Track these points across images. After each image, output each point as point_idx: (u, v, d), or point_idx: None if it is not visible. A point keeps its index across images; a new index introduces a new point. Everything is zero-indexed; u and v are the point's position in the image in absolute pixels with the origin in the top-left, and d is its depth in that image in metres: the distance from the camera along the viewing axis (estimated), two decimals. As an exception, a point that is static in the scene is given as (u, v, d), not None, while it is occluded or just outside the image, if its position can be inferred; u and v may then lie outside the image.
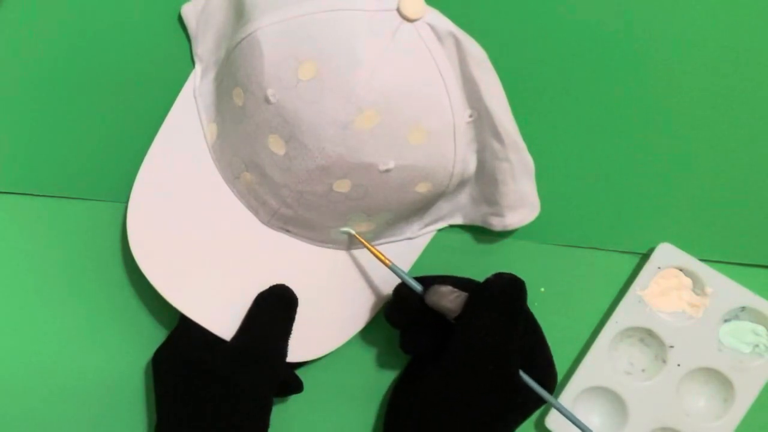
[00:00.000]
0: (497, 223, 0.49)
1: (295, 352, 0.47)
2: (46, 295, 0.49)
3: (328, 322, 0.48)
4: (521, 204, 0.49)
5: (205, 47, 0.49)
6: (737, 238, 0.52)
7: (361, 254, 0.49)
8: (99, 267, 0.50)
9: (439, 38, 0.43)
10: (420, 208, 0.48)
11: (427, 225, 0.50)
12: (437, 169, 0.45)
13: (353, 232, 0.47)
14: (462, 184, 0.48)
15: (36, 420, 0.49)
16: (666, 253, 0.50)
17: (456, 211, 0.50)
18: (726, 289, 0.50)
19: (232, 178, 0.47)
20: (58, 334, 0.49)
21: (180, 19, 0.50)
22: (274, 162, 0.45)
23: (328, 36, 0.42)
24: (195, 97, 0.48)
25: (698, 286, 0.50)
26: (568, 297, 0.52)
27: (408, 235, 0.50)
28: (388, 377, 0.51)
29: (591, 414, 0.51)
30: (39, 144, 0.49)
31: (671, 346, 0.50)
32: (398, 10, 0.42)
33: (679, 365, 0.50)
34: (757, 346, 0.50)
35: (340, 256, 0.49)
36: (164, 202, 0.47)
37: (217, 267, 0.47)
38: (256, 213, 0.48)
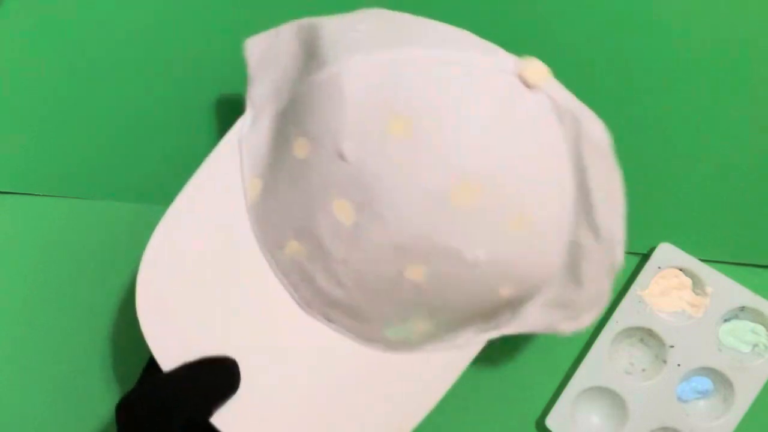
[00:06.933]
0: (568, 327, 0.42)
1: None
2: (46, 295, 0.49)
3: None
4: (597, 302, 0.42)
5: (262, 90, 0.41)
6: (737, 238, 0.52)
7: (413, 361, 0.41)
8: (99, 267, 0.50)
9: (559, 114, 0.37)
10: (489, 314, 0.40)
11: (479, 333, 0.41)
12: (531, 271, 0.38)
13: None
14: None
15: (36, 420, 0.49)
16: (666, 253, 0.50)
17: (516, 319, 0.41)
18: (726, 289, 0.50)
19: (274, 247, 0.40)
20: (59, 334, 0.49)
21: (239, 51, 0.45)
22: (336, 233, 0.37)
23: (433, 89, 0.35)
24: (240, 146, 0.41)
25: (698, 286, 0.50)
26: (568, 297, 0.52)
27: (459, 342, 0.41)
28: None
29: (591, 414, 0.51)
30: (39, 144, 0.49)
31: (671, 346, 0.50)
32: (519, 75, 0.36)
33: (679, 365, 0.50)
34: (756, 345, 0.50)
35: (386, 359, 0.41)
36: (182, 267, 0.40)
37: (233, 353, 0.39)
38: (295, 290, 0.40)
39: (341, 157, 0.36)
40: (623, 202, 0.41)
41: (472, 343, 0.41)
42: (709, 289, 0.50)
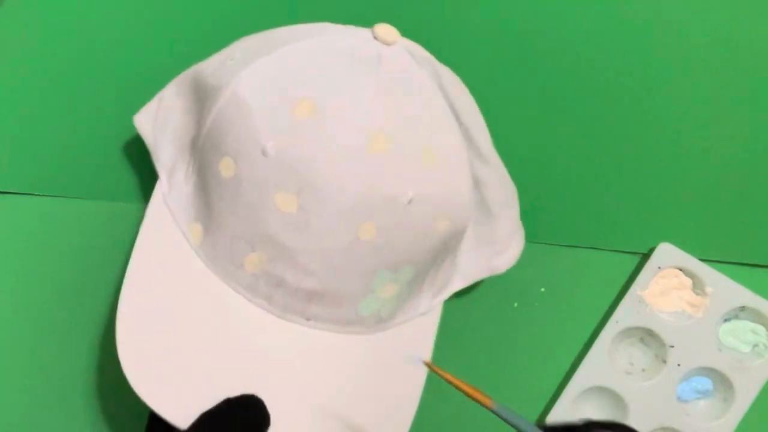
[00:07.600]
0: (503, 262, 0.47)
1: None
2: (45, 295, 0.49)
3: (370, 427, 0.43)
4: (516, 231, 0.47)
5: (167, 153, 0.45)
6: (737, 238, 0.52)
7: (390, 338, 0.45)
8: (99, 267, 0.49)
9: (417, 61, 0.43)
10: (435, 260, 0.44)
11: (434, 295, 0.46)
12: (454, 201, 0.43)
13: (427, 360, 0.41)
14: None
15: (35, 421, 0.49)
16: (666, 253, 0.50)
17: (456, 272, 0.47)
18: (726, 289, 0.50)
19: (233, 269, 0.42)
20: (58, 334, 0.49)
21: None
22: (288, 224, 0.40)
23: (318, 69, 0.41)
24: (167, 206, 0.44)
25: (698, 286, 0.50)
26: (568, 297, 0.52)
27: (422, 309, 0.46)
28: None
29: (591, 414, 0.51)
30: (39, 144, 0.49)
31: (671, 346, 0.50)
32: (377, 37, 0.42)
33: (679, 365, 0.50)
34: (756, 345, 0.50)
35: (367, 342, 0.44)
36: (157, 334, 0.41)
37: (224, 387, 0.41)
38: (269, 301, 0.42)
39: (265, 155, 0.40)
40: (485, 126, 0.45)
41: (431, 307, 0.46)
42: (709, 289, 0.50)
